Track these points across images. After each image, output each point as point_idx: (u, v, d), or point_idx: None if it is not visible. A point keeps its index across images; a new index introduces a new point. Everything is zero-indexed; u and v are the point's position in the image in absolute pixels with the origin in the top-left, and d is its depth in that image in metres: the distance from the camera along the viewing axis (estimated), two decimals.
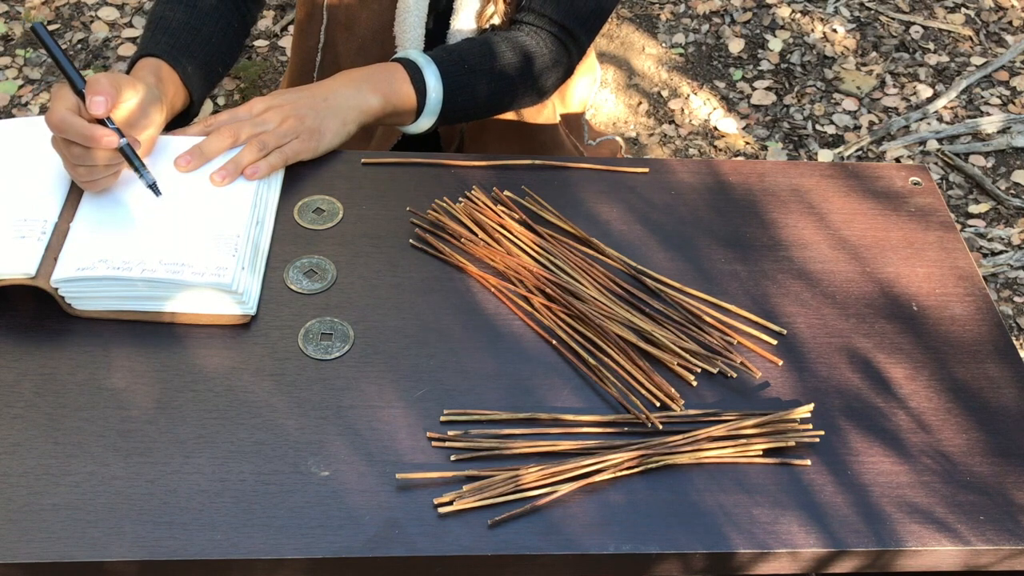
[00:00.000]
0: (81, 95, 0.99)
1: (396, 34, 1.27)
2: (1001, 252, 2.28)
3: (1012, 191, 2.41)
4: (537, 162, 1.16)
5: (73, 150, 0.99)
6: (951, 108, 2.58)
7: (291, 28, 2.67)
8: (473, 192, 1.11)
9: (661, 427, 0.93)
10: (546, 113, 1.39)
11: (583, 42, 1.27)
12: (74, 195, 1.04)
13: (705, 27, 2.77)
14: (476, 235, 1.07)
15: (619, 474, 0.89)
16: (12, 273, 0.95)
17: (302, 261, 1.04)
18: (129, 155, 1.00)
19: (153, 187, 1.02)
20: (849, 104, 2.59)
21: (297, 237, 1.07)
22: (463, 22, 1.25)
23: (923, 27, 2.79)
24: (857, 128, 2.53)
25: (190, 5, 1.18)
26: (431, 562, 0.83)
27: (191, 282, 0.96)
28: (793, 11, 2.82)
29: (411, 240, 1.07)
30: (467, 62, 1.19)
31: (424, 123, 1.19)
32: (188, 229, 1.01)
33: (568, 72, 1.29)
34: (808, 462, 0.92)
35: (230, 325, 0.98)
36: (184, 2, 1.18)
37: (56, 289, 0.96)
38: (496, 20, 1.25)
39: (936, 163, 2.47)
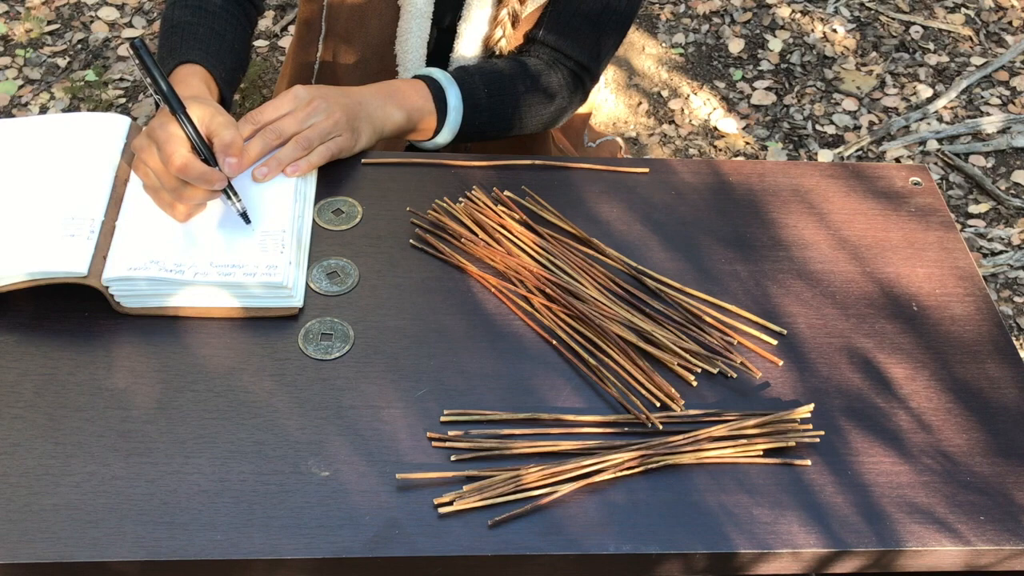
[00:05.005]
0: (174, 115, 1.00)
1: (397, 52, 1.27)
2: (1001, 252, 2.28)
3: (1012, 191, 2.41)
4: (538, 162, 1.16)
5: (186, 191, 1.00)
6: (951, 108, 2.58)
7: (291, 28, 2.67)
8: (473, 192, 1.11)
9: (661, 427, 0.93)
10: None
11: (598, 75, 1.30)
12: (117, 191, 1.05)
13: (705, 27, 2.77)
14: (476, 235, 1.07)
15: (620, 474, 0.89)
16: (65, 272, 0.96)
17: (328, 262, 1.04)
18: (227, 189, 1.03)
19: (244, 215, 1.03)
20: (849, 104, 2.59)
21: None
22: (467, 46, 1.25)
23: (923, 27, 2.79)
24: (857, 128, 2.53)
25: (210, 12, 1.19)
26: (431, 562, 0.83)
27: (243, 283, 0.97)
28: (793, 11, 2.82)
29: (411, 240, 1.07)
30: (488, 87, 1.20)
31: (441, 141, 1.20)
32: (234, 227, 1.03)
33: (583, 100, 1.32)
34: (809, 462, 0.92)
35: (231, 322, 0.98)
36: (205, 9, 1.18)
37: (107, 288, 0.96)
38: (503, 44, 1.25)
39: (936, 163, 2.47)
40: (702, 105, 2.57)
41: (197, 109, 1.02)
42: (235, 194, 1.02)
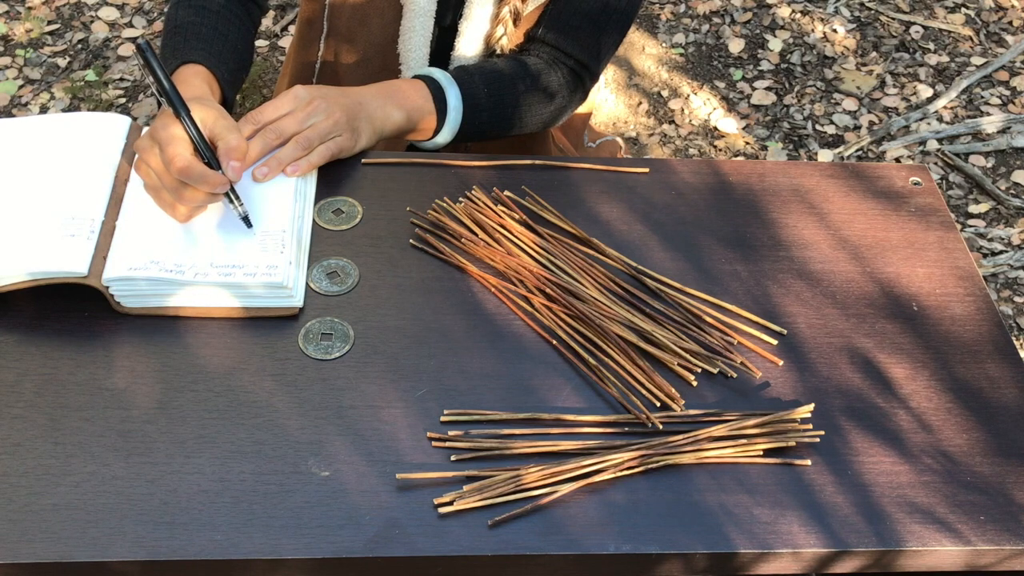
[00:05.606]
0: (177, 117, 1.00)
1: (400, 51, 1.27)
2: (1001, 252, 2.28)
3: (1012, 191, 2.41)
4: (538, 162, 1.16)
5: (186, 192, 1.00)
6: (951, 108, 2.58)
7: (291, 28, 2.67)
8: (473, 192, 1.11)
9: (661, 427, 0.93)
10: None
11: (598, 75, 1.30)
12: (117, 191, 1.05)
13: (705, 27, 2.77)
14: (476, 235, 1.07)
15: (620, 474, 0.89)
16: (65, 272, 0.96)
17: (328, 262, 1.04)
18: (229, 192, 1.02)
19: (246, 220, 1.03)
20: (849, 104, 2.59)
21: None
22: (468, 43, 1.25)
23: (923, 27, 2.79)
24: (857, 128, 2.53)
25: (213, 12, 1.19)
26: (431, 562, 0.83)
27: (243, 283, 0.97)
28: (793, 11, 2.82)
29: (411, 240, 1.07)
30: (488, 86, 1.20)
31: (441, 141, 1.20)
32: (235, 227, 1.03)
33: (583, 99, 1.32)
34: (809, 462, 0.92)
35: (231, 322, 0.98)
36: (208, 9, 1.19)
37: (107, 288, 0.96)
38: (504, 43, 1.25)
39: (936, 163, 2.47)
40: (702, 105, 2.57)
41: (201, 111, 1.02)
42: (237, 198, 1.02)
